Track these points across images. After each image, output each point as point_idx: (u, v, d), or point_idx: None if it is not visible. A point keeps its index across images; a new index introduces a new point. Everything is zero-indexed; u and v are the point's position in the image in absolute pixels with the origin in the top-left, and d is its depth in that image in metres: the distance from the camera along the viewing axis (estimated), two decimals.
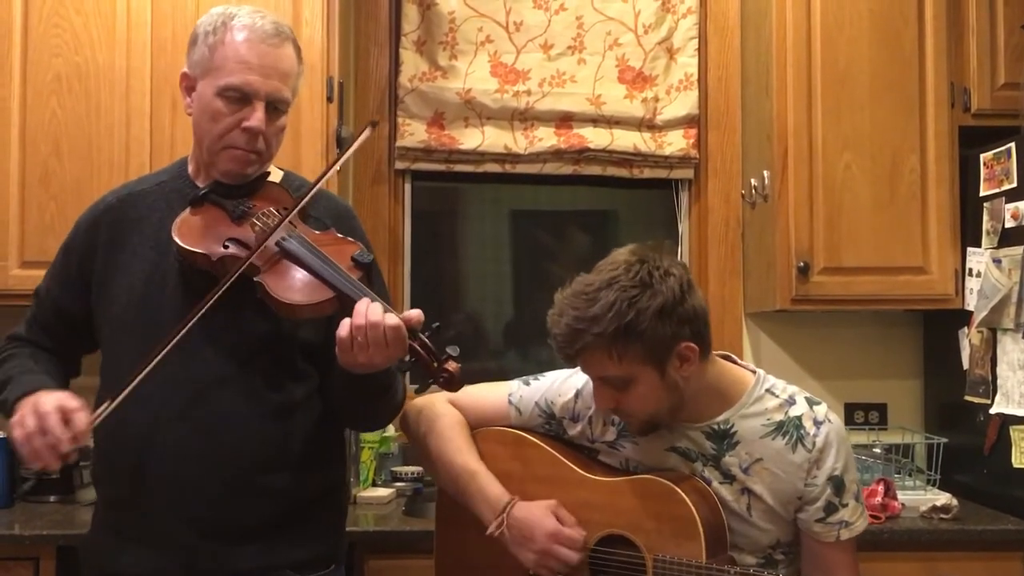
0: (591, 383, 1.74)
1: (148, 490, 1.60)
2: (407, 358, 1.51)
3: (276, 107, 1.66)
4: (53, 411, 1.46)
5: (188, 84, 1.70)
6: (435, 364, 1.50)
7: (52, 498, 2.57)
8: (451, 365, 1.51)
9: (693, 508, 1.61)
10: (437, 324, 1.53)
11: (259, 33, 1.64)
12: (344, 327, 1.48)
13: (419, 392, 1.59)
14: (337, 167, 1.74)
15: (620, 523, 1.67)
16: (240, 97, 1.63)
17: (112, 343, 1.69)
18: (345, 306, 1.52)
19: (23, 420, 1.48)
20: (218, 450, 1.59)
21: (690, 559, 1.59)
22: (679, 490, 1.62)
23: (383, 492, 2.67)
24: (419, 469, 2.71)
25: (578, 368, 1.81)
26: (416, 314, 1.52)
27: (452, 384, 1.52)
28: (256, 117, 1.63)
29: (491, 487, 1.73)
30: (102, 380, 1.69)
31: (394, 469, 2.79)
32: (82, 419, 1.47)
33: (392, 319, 1.48)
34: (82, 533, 1.77)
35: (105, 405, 1.50)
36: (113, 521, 1.66)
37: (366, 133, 1.66)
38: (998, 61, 2.73)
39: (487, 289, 3.23)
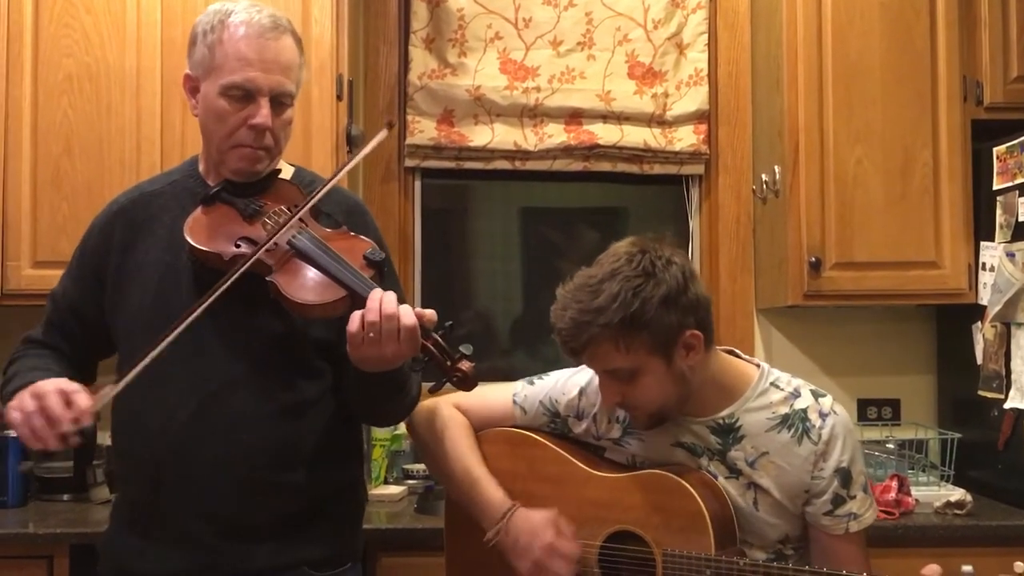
0: (595, 380, 1.75)
1: (165, 489, 1.60)
2: (421, 357, 1.51)
3: (281, 101, 1.65)
4: (53, 391, 1.46)
5: (191, 85, 1.69)
6: (449, 363, 1.50)
7: (65, 497, 2.58)
8: (465, 365, 1.50)
9: (701, 502, 1.61)
10: (450, 323, 1.53)
11: (256, 28, 1.62)
12: (355, 321, 1.47)
13: (433, 392, 1.58)
14: (349, 168, 1.74)
15: (628, 519, 1.67)
16: (244, 95, 1.62)
17: (127, 344, 1.68)
18: (357, 305, 1.51)
19: (21, 402, 1.47)
20: (233, 449, 1.59)
21: (699, 552, 1.59)
22: (687, 484, 1.63)
23: (395, 490, 2.67)
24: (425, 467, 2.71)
25: (582, 366, 1.81)
26: (430, 312, 1.51)
27: (466, 383, 1.51)
28: (262, 114, 1.62)
29: (493, 493, 1.73)
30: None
31: (406, 467, 2.79)
32: (83, 399, 1.46)
33: (407, 313, 1.47)
34: (95, 532, 1.78)
35: (108, 387, 1.49)
36: (132, 520, 1.66)
37: (382, 134, 1.65)
38: (1011, 54, 2.71)
39: (497, 286, 3.23)
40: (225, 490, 1.59)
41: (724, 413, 1.69)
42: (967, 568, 1.61)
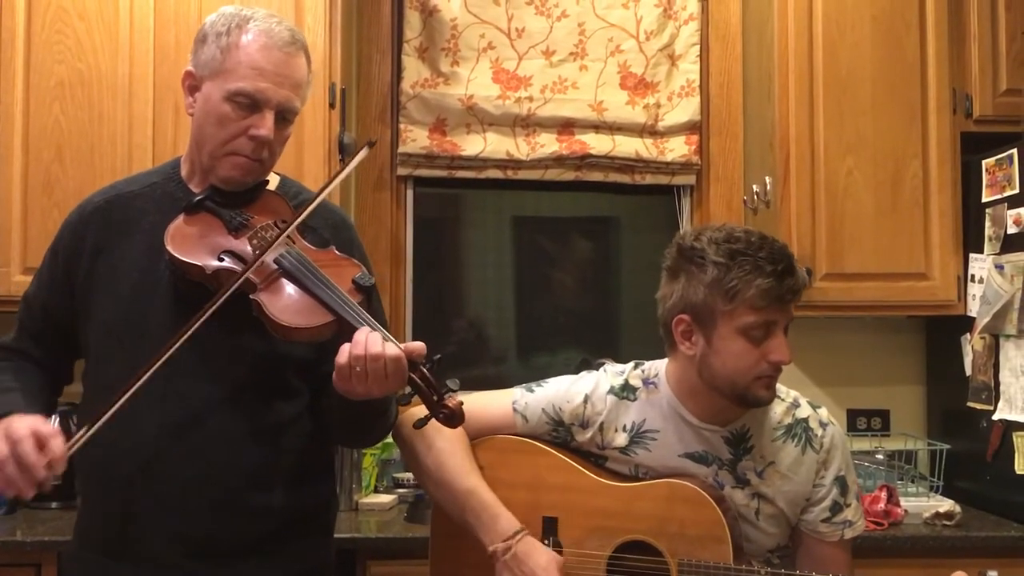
0: (600, 387, 1.77)
1: (134, 508, 1.54)
2: (407, 391, 1.47)
3: (284, 116, 1.61)
4: (27, 436, 1.38)
5: (192, 83, 1.62)
6: (435, 398, 1.46)
7: (54, 504, 2.56)
8: (452, 401, 1.46)
9: (720, 511, 1.62)
10: (438, 356, 1.48)
11: (276, 40, 1.58)
12: (343, 355, 1.43)
13: (417, 427, 1.53)
14: (332, 185, 1.66)
15: (640, 528, 1.67)
16: (250, 104, 1.56)
17: (97, 351, 1.61)
18: (343, 331, 1.47)
19: None
20: (206, 469, 1.54)
21: (717, 561, 1.59)
22: (705, 494, 1.63)
23: (385, 498, 2.67)
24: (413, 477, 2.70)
25: (582, 373, 1.81)
26: (418, 346, 1.46)
27: (452, 420, 1.47)
28: (266, 126, 1.57)
29: (499, 511, 1.68)
30: (85, 389, 1.64)
31: (396, 475, 2.79)
32: (58, 445, 1.39)
33: (393, 350, 1.42)
34: None
35: (84, 430, 1.42)
36: (97, 537, 1.60)
37: (363, 152, 1.61)
38: (1000, 67, 2.73)
39: (489, 295, 3.22)
40: (197, 511, 1.54)
41: (736, 424, 1.71)
42: (992, 573, 1.66)
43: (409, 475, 2.75)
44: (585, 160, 3.03)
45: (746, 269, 1.59)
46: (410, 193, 3.08)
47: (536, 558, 1.64)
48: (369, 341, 1.43)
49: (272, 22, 1.61)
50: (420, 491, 2.67)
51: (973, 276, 2.69)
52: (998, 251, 2.58)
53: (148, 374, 1.43)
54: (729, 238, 1.63)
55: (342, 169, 1.68)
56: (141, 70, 2.54)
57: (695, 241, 1.65)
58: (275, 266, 1.53)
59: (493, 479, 1.74)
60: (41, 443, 1.39)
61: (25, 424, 1.41)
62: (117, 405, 1.42)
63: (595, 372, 1.83)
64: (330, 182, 1.68)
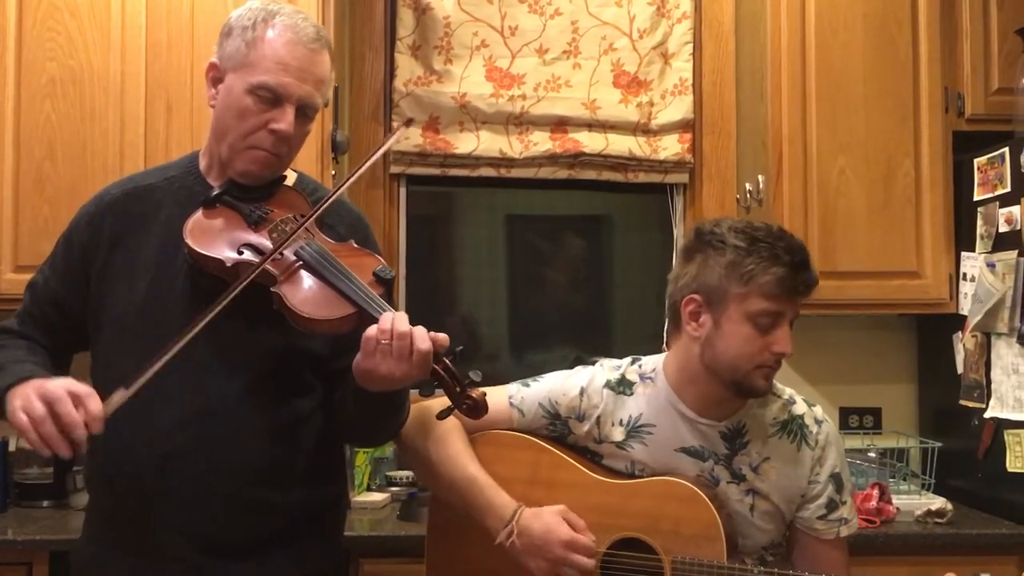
0: (595, 380, 1.78)
1: (146, 503, 1.55)
2: (431, 382, 1.47)
3: (305, 112, 1.61)
4: (65, 396, 1.38)
5: (215, 75, 1.63)
6: (458, 389, 1.46)
7: (45, 503, 2.56)
8: (475, 392, 1.46)
9: (715, 510, 1.62)
10: (460, 348, 1.48)
11: (301, 35, 1.59)
12: (369, 336, 1.44)
13: (440, 418, 1.53)
14: (349, 183, 1.66)
15: (635, 526, 1.67)
16: (272, 98, 1.57)
17: (111, 344, 1.61)
18: (365, 323, 1.47)
19: (29, 405, 1.39)
20: (220, 465, 1.55)
21: (711, 560, 1.59)
22: (701, 493, 1.64)
23: (378, 497, 2.67)
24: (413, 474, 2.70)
25: (577, 368, 1.82)
26: (442, 336, 1.47)
27: (476, 412, 1.47)
28: (287, 120, 1.57)
29: (496, 495, 1.68)
30: (95, 384, 1.60)
31: (389, 474, 2.79)
32: (95, 404, 1.38)
33: (421, 333, 1.43)
34: (75, 538, 1.74)
35: (120, 392, 1.41)
36: (108, 532, 1.61)
37: (378, 155, 1.61)
38: (991, 66, 2.74)
39: (482, 293, 3.22)
40: (208, 507, 1.54)
41: (733, 419, 1.72)
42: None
43: (402, 473, 2.75)
44: (578, 158, 3.02)
45: (764, 256, 1.61)
46: (403, 191, 3.07)
47: (537, 525, 1.63)
48: (396, 319, 1.44)
49: (298, 18, 1.62)
50: (413, 490, 2.68)
51: (965, 274, 2.70)
52: (990, 249, 2.59)
53: (183, 342, 1.43)
54: (749, 226, 1.66)
55: (359, 168, 1.66)
56: (133, 67, 2.53)
57: (715, 227, 1.68)
58: (295, 259, 1.53)
59: (489, 474, 1.73)
60: (78, 402, 1.38)
61: (60, 384, 1.41)
62: (154, 369, 1.41)
63: (591, 367, 1.83)
64: (346, 181, 1.67)
